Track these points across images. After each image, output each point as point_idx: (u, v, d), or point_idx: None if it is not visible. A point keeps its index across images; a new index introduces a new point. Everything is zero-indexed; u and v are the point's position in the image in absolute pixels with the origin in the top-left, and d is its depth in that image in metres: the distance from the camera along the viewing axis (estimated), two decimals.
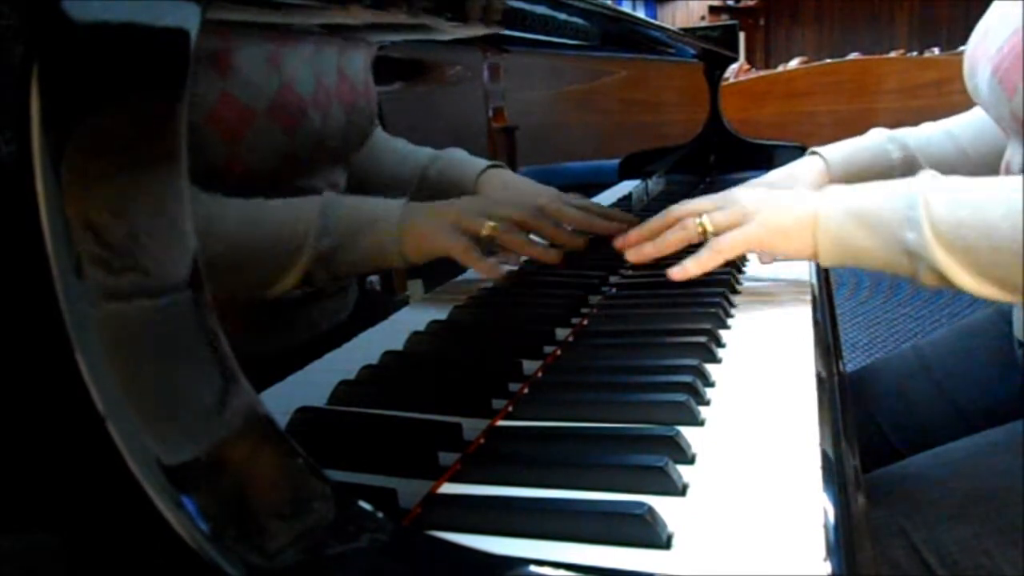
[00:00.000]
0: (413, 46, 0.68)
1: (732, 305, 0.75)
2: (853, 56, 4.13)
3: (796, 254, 0.71)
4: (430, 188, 0.69)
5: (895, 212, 0.64)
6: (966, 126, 0.95)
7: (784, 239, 0.70)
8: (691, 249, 0.74)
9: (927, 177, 0.66)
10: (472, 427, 0.50)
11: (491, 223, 0.65)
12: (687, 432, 0.48)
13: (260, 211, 0.46)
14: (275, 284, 0.47)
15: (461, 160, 0.75)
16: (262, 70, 0.46)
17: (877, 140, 0.96)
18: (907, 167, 0.93)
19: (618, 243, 0.77)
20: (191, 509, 0.28)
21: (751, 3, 7.61)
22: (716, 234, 0.72)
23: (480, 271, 0.64)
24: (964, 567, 0.63)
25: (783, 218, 0.70)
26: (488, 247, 0.67)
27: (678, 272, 0.71)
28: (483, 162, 0.76)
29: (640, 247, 0.75)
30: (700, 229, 0.72)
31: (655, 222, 0.76)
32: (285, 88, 0.48)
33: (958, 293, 0.63)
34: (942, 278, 0.62)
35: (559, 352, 0.65)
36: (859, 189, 0.69)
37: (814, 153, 0.97)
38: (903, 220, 0.63)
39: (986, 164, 0.91)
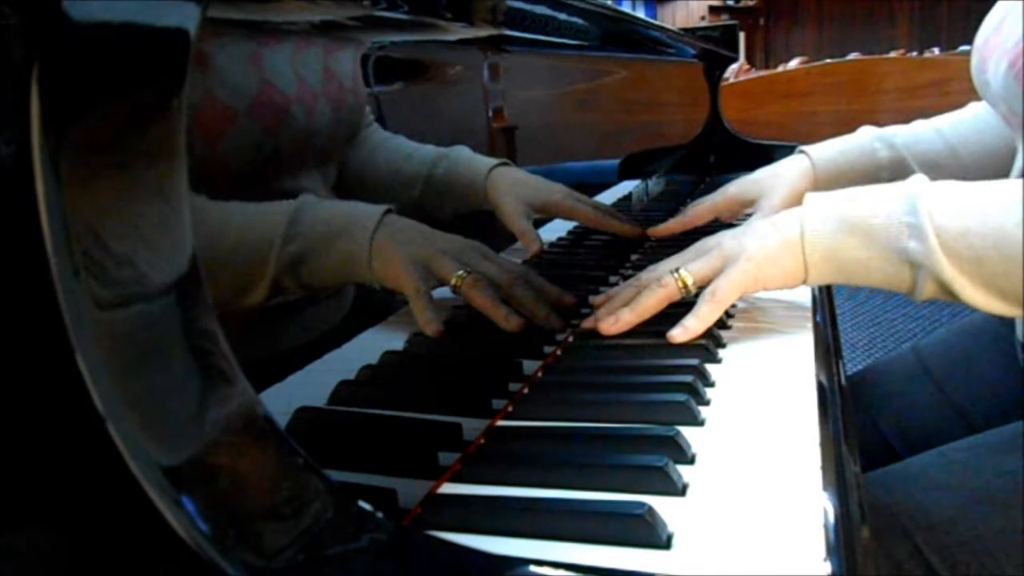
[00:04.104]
0: (414, 46, 0.68)
1: (732, 305, 0.75)
2: (853, 56, 4.12)
3: (789, 280, 0.64)
4: (437, 188, 0.68)
5: (891, 218, 0.59)
6: (957, 124, 0.93)
7: (774, 266, 0.63)
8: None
9: (921, 180, 0.61)
10: (472, 427, 0.50)
11: (461, 273, 0.60)
12: (687, 432, 0.48)
13: (226, 217, 0.44)
14: (242, 296, 0.45)
15: (468, 159, 0.74)
16: (243, 68, 0.45)
17: (864, 138, 0.93)
18: (895, 166, 0.90)
19: (587, 322, 0.68)
20: (191, 509, 0.28)
21: (751, 3, 7.61)
22: (699, 285, 0.65)
23: (418, 319, 0.57)
24: (966, 568, 0.63)
25: (768, 244, 0.64)
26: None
27: (680, 334, 0.62)
28: (491, 161, 0.75)
29: (617, 315, 0.64)
30: (680, 284, 0.65)
31: (625, 289, 0.68)
32: (267, 86, 0.47)
33: None
34: (944, 290, 0.58)
35: (559, 352, 0.65)
36: (846, 195, 0.63)
37: (801, 152, 0.94)
38: (903, 227, 0.58)
39: (976, 164, 0.89)
